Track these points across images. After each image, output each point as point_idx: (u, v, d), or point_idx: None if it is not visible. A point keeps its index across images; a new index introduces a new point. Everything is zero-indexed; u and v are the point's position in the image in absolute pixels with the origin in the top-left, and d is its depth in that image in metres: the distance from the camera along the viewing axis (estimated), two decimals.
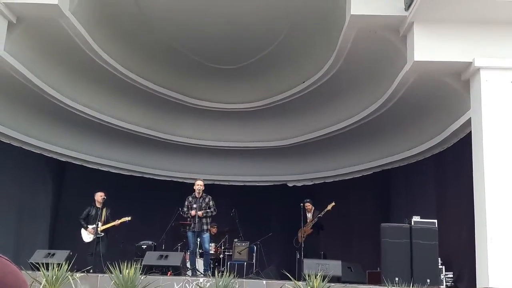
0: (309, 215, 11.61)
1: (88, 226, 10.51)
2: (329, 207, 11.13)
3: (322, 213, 11.27)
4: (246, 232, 12.33)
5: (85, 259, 9.90)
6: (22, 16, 9.99)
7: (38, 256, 9.27)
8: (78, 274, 8.39)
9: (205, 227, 10.17)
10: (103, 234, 10.49)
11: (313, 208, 11.64)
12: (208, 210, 10.13)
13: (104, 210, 10.67)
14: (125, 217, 10.57)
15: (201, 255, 10.64)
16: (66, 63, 11.85)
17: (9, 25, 9.88)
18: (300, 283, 8.13)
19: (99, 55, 11.74)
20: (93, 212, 10.61)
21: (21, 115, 12.25)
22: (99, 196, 10.73)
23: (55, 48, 11.14)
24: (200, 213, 10.01)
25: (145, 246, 11.36)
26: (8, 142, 12.19)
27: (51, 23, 10.12)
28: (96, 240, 10.36)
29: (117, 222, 10.54)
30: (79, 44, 11.01)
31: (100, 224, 10.46)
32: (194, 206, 10.10)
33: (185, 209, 10.28)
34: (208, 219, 10.22)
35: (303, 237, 11.26)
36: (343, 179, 14.61)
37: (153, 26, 12.05)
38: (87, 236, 10.51)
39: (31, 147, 12.84)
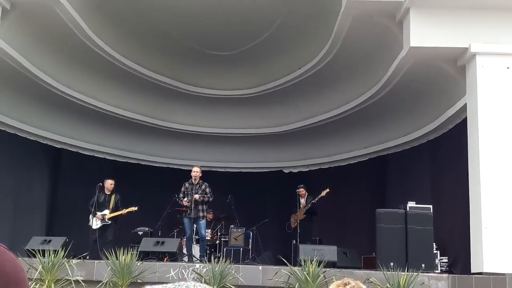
0: (302, 201, 11.64)
1: (97, 212, 10.51)
2: (323, 193, 11.15)
3: (316, 199, 11.30)
4: (242, 218, 12.36)
5: (90, 245, 9.97)
6: (16, 2, 9.90)
7: (34, 242, 9.30)
8: (74, 261, 8.43)
9: (201, 213, 10.20)
10: (110, 222, 10.52)
11: (307, 193, 11.66)
12: (205, 195, 10.16)
13: (113, 197, 10.69)
14: (132, 206, 10.57)
15: (198, 241, 10.69)
16: (61, 50, 11.78)
17: (3, 11, 9.80)
18: (296, 268, 8.18)
19: (94, 42, 11.67)
20: (102, 198, 10.63)
21: (15, 102, 12.20)
22: (109, 184, 10.77)
23: (49, 35, 11.07)
24: (197, 196, 10.03)
25: (142, 233, 11.38)
26: (3, 129, 12.16)
27: (45, 9, 10.04)
28: (103, 227, 10.43)
29: (124, 211, 10.55)
30: (73, 31, 10.94)
31: (107, 211, 10.51)
32: (187, 199, 10.09)
33: (181, 195, 10.32)
34: (204, 205, 10.24)
35: (296, 222, 11.29)
36: (339, 165, 14.64)
37: (149, 12, 11.96)
38: (95, 222, 10.50)
39: (26, 134, 12.81)
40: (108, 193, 10.73)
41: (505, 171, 8.22)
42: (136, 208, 10.61)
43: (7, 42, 10.19)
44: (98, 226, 10.45)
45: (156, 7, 11.81)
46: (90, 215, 10.54)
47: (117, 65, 12.82)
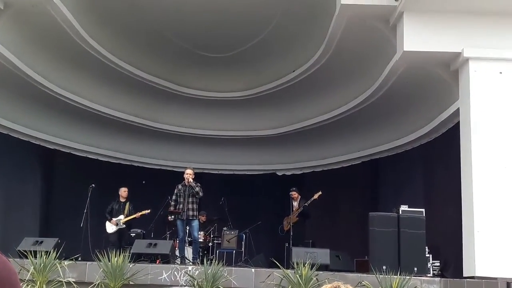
0: (295, 204, 11.63)
1: (112, 218, 11.07)
2: (316, 196, 11.14)
3: (308, 202, 11.29)
4: (235, 220, 12.36)
5: (108, 249, 10.08)
6: (9, 2, 9.87)
7: (26, 244, 9.24)
8: (66, 262, 8.38)
9: (191, 212, 10.11)
10: (124, 226, 11.06)
11: (300, 196, 11.66)
12: (197, 186, 10.15)
13: (127, 204, 11.22)
14: (144, 210, 11.06)
15: (190, 243, 10.67)
16: (54, 50, 11.74)
17: None
18: (288, 271, 8.17)
19: (87, 42, 11.64)
20: (117, 206, 11.19)
21: (8, 102, 12.14)
22: (123, 191, 11.34)
23: (42, 35, 11.03)
24: (191, 180, 10.10)
25: (134, 234, 11.38)
26: None
27: (38, 9, 10.01)
28: (118, 231, 10.99)
29: (138, 214, 11.05)
30: (67, 31, 10.91)
31: (122, 217, 11.04)
32: (178, 207, 10.19)
33: (174, 197, 10.32)
34: (195, 205, 10.20)
35: (289, 225, 11.29)
36: (332, 168, 14.67)
37: (142, 13, 11.95)
38: (110, 227, 11.03)
39: (18, 135, 12.75)
40: (123, 200, 11.28)
41: (497, 175, 8.26)
42: (148, 211, 11.10)
43: (0, 42, 10.14)
44: (113, 231, 10.98)
45: (150, 8, 11.79)
46: (106, 221, 11.06)
47: (110, 66, 12.79)
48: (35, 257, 8.20)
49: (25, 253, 8.43)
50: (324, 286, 2.30)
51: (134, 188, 11.99)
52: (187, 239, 10.60)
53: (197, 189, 10.12)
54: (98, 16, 11.67)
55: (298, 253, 8.84)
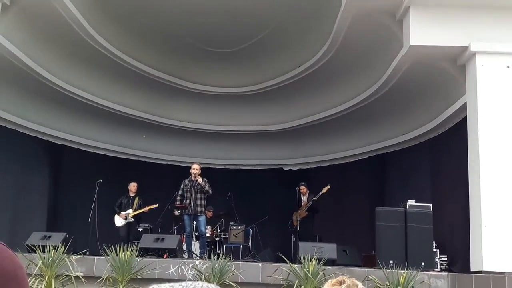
0: (304, 198, 11.66)
1: (121, 212, 11.27)
2: (324, 190, 11.17)
3: (317, 196, 11.32)
4: (242, 215, 12.39)
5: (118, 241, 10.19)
6: None
7: (34, 238, 9.32)
8: (74, 256, 8.44)
9: (199, 208, 10.17)
10: (133, 220, 11.27)
11: (308, 191, 11.69)
12: (206, 184, 10.18)
13: (137, 199, 11.46)
14: (152, 204, 11.30)
15: (197, 238, 10.71)
16: (61, 46, 11.77)
17: (2, 7, 9.80)
18: (295, 265, 8.20)
19: (94, 38, 11.67)
20: (126, 200, 11.41)
21: (16, 98, 12.20)
22: (132, 186, 11.58)
23: (49, 31, 11.06)
24: (200, 179, 10.10)
25: (142, 229, 11.43)
26: (3, 124, 12.17)
27: (45, 5, 10.04)
28: (127, 225, 11.23)
29: (146, 208, 11.28)
30: (73, 27, 10.93)
31: (131, 211, 11.26)
32: (184, 202, 10.24)
33: (180, 192, 10.35)
34: (203, 201, 10.24)
35: (298, 220, 11.31)
36: (338, 163, 14.66)
37: (148, 8, 11.95)
38: (118, 220, 11.25)
39: (26, 130, 12.81)
40: (132, 195, 11.51)
41: (504, 170, 8.24)
42: (157, 205, 11.30)
43: (7, 38, 10.18)
44: (122, 224, 11.20)
45: (156, 4, 11.80)
46: (115, 215, 11.28)
47: (117, 62, 12.81)
48: (44, 251, 8.26)
49: (34, 248, 8.49)
50: (329, 280, 2.30)
51: (141, 183, 12.06)
52: (194, 233, 10.64)
53: (206, 187, 10.14)
54: (105, 12, 11.69)
55: (305, 247, 8.86)
